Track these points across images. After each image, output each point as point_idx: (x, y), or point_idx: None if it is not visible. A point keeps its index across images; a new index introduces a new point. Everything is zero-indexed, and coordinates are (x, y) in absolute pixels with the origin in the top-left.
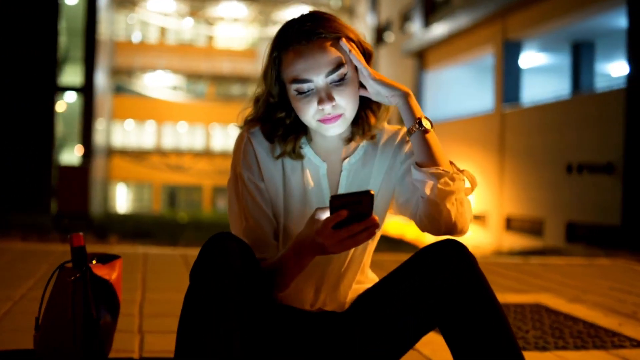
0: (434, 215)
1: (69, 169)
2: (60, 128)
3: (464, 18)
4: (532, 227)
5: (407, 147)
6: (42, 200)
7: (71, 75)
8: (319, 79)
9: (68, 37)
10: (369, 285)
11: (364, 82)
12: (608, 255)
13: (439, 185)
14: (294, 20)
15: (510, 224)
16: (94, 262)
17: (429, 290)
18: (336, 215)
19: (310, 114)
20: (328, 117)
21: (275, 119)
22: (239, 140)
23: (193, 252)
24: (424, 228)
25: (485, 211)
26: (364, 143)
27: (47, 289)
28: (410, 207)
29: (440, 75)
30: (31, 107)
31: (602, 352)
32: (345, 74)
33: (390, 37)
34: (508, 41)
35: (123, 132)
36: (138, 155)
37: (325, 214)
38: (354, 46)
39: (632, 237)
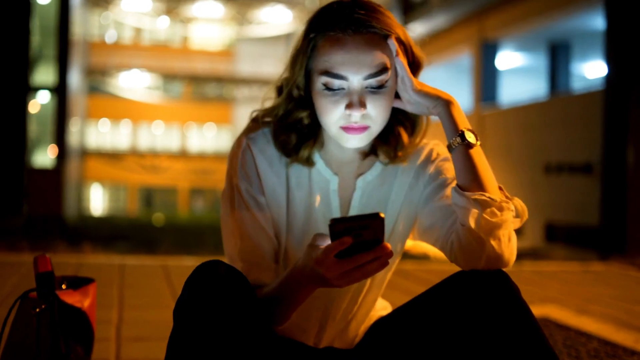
0: (474, 249)
1: (41, 172)
2: (33, 128)
3: (441, 19)
4: None
5: (432, 167)
6: (14, 203)
7: (44, 74)
8: (355, 80)
9: (41, 36)
10: (382, 312)
11: (402, 93)
12: (600, 259)
13: (484, 215)
14: (342, 2)
15: None
16: (63, 286)
17: (469, 327)
18: (338, 243)
19: (334, 116)
20: (353, 126)
21: (293, 119)
22: (236, 147)
23: (173, 262)
24: (456, 260)
25: None
26: (379, 157)
27: (7, 322)
28: (436, 233)
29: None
30: (3, 107)
31: None
32: (385, 82)
33: None
34: (485, 42)
35: (97, 133)
36: (113, 156)
37: (326, 241)
38: (401, 50)
39: (610, 237)
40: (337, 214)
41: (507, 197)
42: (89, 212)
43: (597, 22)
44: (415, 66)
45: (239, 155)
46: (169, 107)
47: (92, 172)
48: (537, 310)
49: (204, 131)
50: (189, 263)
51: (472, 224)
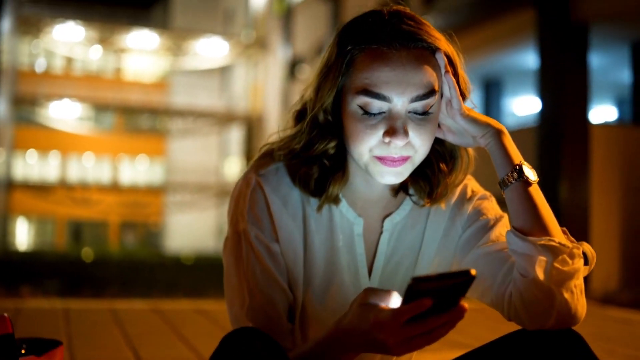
0: (541, 304)
1: None
2: None
3: None
4: None
5: (470, 207)
6: None
7: None
8: (400, 102)
9: None
10: None
11: (446, 120)
12: None
13: (555, 264)
14: (383, 12)
15: None
16: (22, 351)
17: None
18: (417, 305)
19: (369, 144)
20: (392, 157)
21: (318, 151)
22: (244, 186)
23: (122, 305)
24: (515, 317)
25: None
26: (412, 197)
27: None
28: (485, 285)
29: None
30: None
31: None
32: (431, 106)
33: (304, 70)
34: None
35: (25, 164)
36: (41, 188)
37: (384, 301)
38: (450, 69)
39: None
40: (362, 261)
41: (574, 241)
42: (14, 247)
43: (529, 59)
44: (462, 90)
45: (248, 196)
46: (101, 139)
47: (18, 205)
48: None
49: (136, 164)
50: (139, 307)
51: (540, 274)
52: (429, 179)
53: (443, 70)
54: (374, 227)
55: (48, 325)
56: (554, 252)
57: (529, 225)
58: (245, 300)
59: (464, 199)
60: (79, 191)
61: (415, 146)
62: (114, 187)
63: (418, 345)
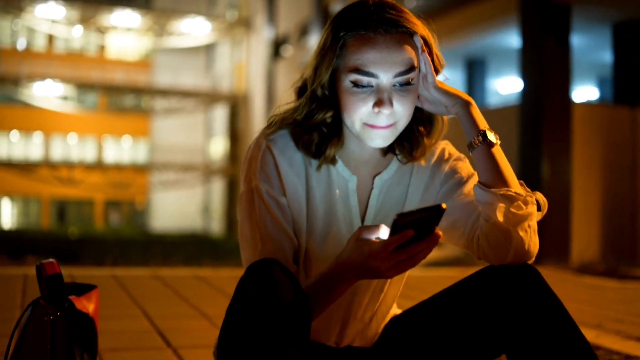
0: (501, 243)
1: None
2: None
3: None
4: None
5: (447, 166)
6: None
7: None
8: (385, 78)
9: None
10: (397, 311)
11: (423, 91)
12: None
13: (512, 209)
14: (369, 3)
15: None
16: None
17: (500, 321)
18: (401, 236)
19: (360, 114)
20: (380, 125)
21: (317, 120)
22: (255, 149)
23: (122, 273)
24: (483, 255)
25: None
26: (398, 156)
27: (15, 331)
28: (459, 231)
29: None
30: None
31: None
32: (412, 80)
33: (288, 50)
34: None
35: (8, 144)
36: (25, 167)
37: (374, 234)
38: (426, 49)
39: None
40: (356, 213)
41: (529, 191)
42: None
43: (512, 39)
44: (436, 66)
45: (259, 157)
46: (84, 118)
47: (2, 185)
48: None
49: (120, 143)
50: (140, 273)
51: (499, 218)
52: (411, 141)
53: (420, 51)
54: (365, 184)
55: None
56: (510, 199)
57: (492, 180)
58: (257, 246)
59: (442, 159)
60: (63, 170)
61: (399, 114)
62: (99, 166)
63: (405, 267)
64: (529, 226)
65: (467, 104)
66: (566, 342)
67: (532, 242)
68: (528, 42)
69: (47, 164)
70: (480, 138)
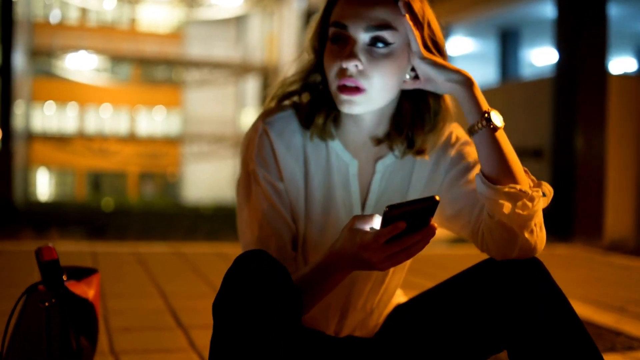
0: (506, 241)
1: None
2: None
3: None
4: None
5: (453, 151)
6: None
7: None
8: (354, 30)
9: None
10: (400, 299)
11: (412, 63)
12: (563, 242)
13: (517, 210)
14: None
15: None
16: (64, 277)
17: (502, 314)
18: (393, 228)
19: (333, 71)
20: (348, 85)
21: (310, 85)
22: (252, 132)
23: (144, 249)
24: (486, 250)
25: None
26: (394, 152)
27: (11, 317)
28: (463, 220)
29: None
30: None
31: (616, 356)
32: (389, 43)
33: None
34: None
35: (43, 116)
36: (60, 139)
37: (367, 224)
38: (413, 20)
39: (559, 220)
40: (356, 199)
41: (534, 181)
42: (35, 197)
43: (547, 9)
44: (428, 42)
45: (256, 140)
46: (117, 90)
47: (38, 157)
48: None
49: (153, 114)
50: (161, 249)
51: (504, 218)
52: (405, 135)
53: (402, 17)
54: (367, 169)
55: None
56: (515, 198)
57: (496, 171)
58: (254, 232)
59: (448, 144)
60: (97, 142)
61: (369, 76)
62: (132, 138)
63: (399, 260)
64: (535, 224)
65: (466, 81)
66: (568, 337)
67: (539, 239)
68: (563, 12)
69: (81, 136)
70: (484, 122)
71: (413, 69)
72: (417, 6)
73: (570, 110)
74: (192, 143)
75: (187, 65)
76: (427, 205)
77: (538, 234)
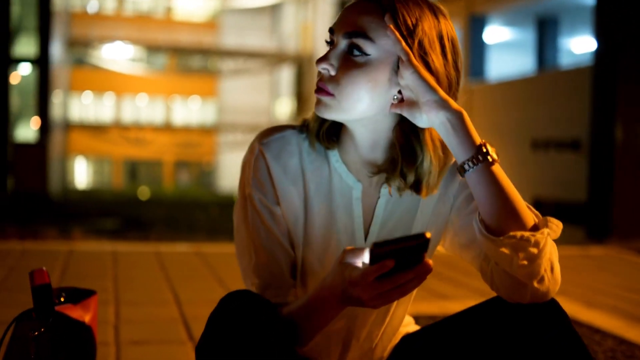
0: (516, 289)
1: (25, 146)
2: (15, 101)
3: None
4: None
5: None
6: None
7: (25, 46)
8: (338, 35)
9: (21, 6)
10: (407, 328)
11: (402, 71)
12: (597, 242)
13: (521, 262)
14: None
15: None
16: (61, 299)
17: (513, 354)
18: (380, 266)
19: (316, 74)
20: (321, 88)
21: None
22: (249, 154)
23: (166, 249)
24: (497, 292)
25: None
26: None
27: (0, 345)
28: (473, 252)
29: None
30: None
31: None
32: (366, 54)
33: None
34: (473, 16)
35: (81, 105)
36: (97, 128)
37: (359, 258)
38: (402, 37)
39: (597, 213)
40: (359, 224)
41: (538, 217)
42: (73, 186)
43: None
44: (449, 85)
45: (252, 163)
46: (153, 79)
47: (76, 146)
48: None
49: (188, 104)
50: (182, 249)
51: (508, 269)
52: (402, 170)
53: (389, 29)
54: (371, 193)
55: (97, 267)
56: (516, 248)
57: (496, 214)
58: (252, 258)
59: (455, 168)
60: (133, 131)
61: (340, 82)
62: (167, 127)
63: (393, 298)
64: (545, 269)
65: (458, 113)
66: None
67: (552, 283)
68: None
69: (118, 125)
70: (479, 156)
71: (400, 92)
72: (408, 22)
73: (610, 100)
74: (227, 132)
75: (222, 54)
76: (417, 243)
77: (550, 280)
